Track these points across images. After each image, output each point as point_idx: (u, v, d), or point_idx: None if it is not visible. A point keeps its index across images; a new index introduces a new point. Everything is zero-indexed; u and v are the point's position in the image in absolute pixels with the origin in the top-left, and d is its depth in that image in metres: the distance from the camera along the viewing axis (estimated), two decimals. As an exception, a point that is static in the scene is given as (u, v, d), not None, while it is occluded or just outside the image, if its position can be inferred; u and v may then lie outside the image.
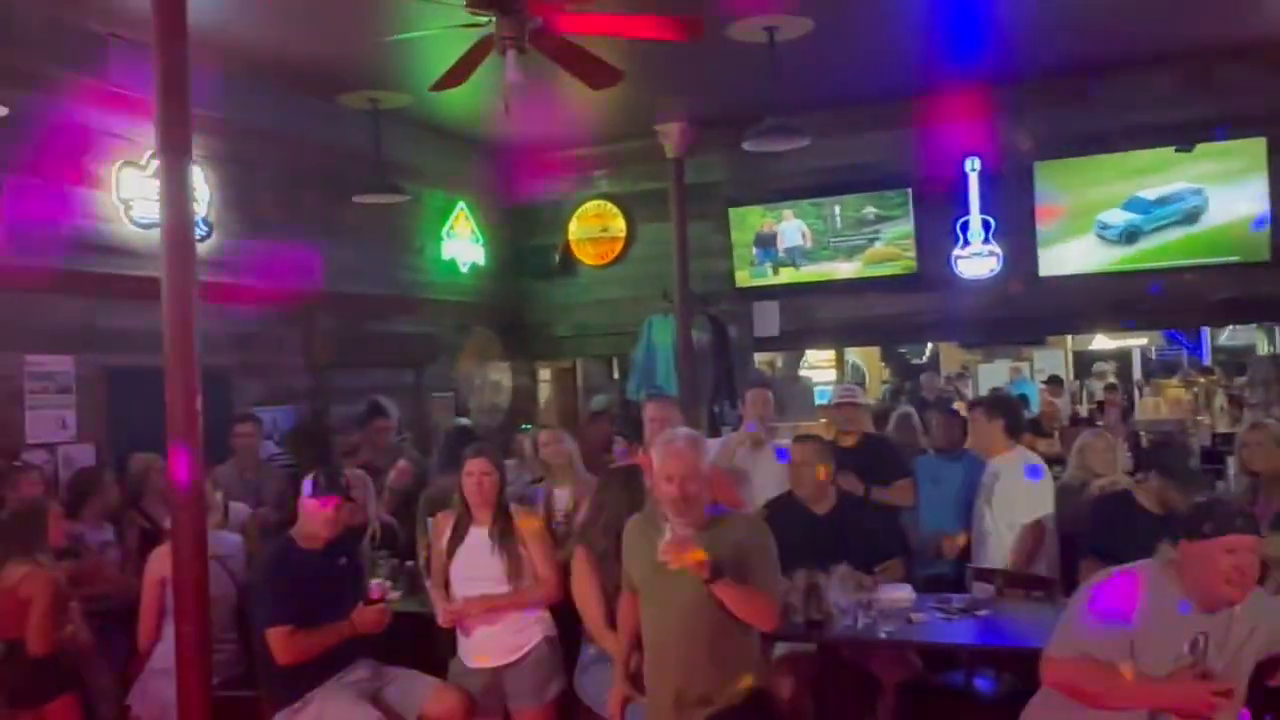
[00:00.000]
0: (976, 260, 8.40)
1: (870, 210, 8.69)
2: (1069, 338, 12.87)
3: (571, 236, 9.88)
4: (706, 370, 8.90)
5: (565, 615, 4.17)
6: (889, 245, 8.65)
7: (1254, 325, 11.73)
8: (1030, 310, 8.41)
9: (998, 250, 8.34)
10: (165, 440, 3.86)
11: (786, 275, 9.02)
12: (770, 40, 6.48)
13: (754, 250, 9.05)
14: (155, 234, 4.38)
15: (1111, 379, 12.06)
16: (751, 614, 3.27)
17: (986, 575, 4.81)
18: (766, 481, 5.38)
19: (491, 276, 9.67)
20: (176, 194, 3.94)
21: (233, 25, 5.97)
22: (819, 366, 12.93)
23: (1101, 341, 13.76)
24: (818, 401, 9.50)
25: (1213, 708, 2.81)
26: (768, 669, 3.87)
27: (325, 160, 7.69)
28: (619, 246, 9.71)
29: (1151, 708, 2.90)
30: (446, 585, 4.17)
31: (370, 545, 5.10)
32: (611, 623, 3.83)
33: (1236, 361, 12.17)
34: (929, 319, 8.80)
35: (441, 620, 4.15)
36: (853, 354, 13.22)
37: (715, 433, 7.81)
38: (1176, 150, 7.76)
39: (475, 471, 4.13)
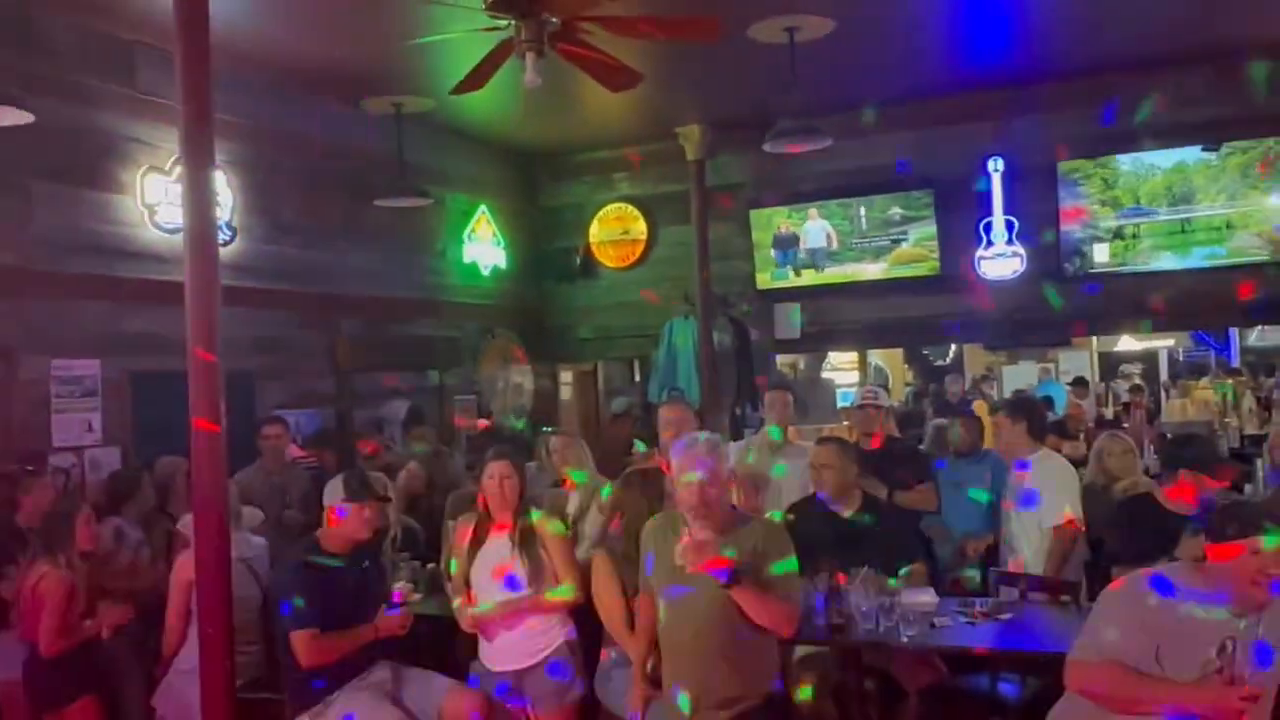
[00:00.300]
0: (1000, 261, 8.36)
1: (897, 211, 8.66)
2: (1094, 339, 12.76)
3: (592, 239, 9.89)
4: (728, 372, 8.89)
5: (585, 618, 4.17)
6: (916, 246, 8.62)
7: (1283, 326, 11.60)
8: (1054, 311, 8.34)
9: (1021, 251, 8.29)
10: (189, 443, 3.88)
11: (808, 277, 8.99)
12: (790, 41, 6.45)
13: (772, 252, 9.03)
14: (179, 238, 4.42)
15: (1137, 380, 11.95)
16: (769, 620, 3.25)
17: (1010, 579, 4.78)
18: (788, 484, 5.37)
19: (513, 279, 9.70)
20: (200, 199, 3.96)
21: (256, 31, 6.02)
22: (842, 368, 12.89)
23: (1127, 343, 13.64)
24: (840, 404, 9.47)
25: (1241, 713, 2.77)
26: (788, 673, 3.86)
27: (348, 164, 7.75)
28: (640, 249, 9.72)
29: (1178, 713, 2.86)
30: (467, 588, 4.18)
31: (391, 547, 5.13)
32: (632, 625, 3.83)
33: (1266, 363, 12.05)
34: (952, 320, 8.75)
35: (464, 625, 4.15)
36: (875, 356, 13.17)
37: (737, 435, 7.81)
38: (1203, 149, 7.69)
39: (496, 474, 4.13)
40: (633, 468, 4.72)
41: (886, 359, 13.61)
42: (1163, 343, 13.76)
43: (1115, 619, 2.93)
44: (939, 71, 7.62)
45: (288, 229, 7.22)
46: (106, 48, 5.99)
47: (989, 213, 8.35)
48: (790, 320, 9.12)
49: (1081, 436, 8.96)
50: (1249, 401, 10.19)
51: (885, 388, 12.06)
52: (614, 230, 9.83)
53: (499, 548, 4.13)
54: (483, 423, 8.62)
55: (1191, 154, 7.74)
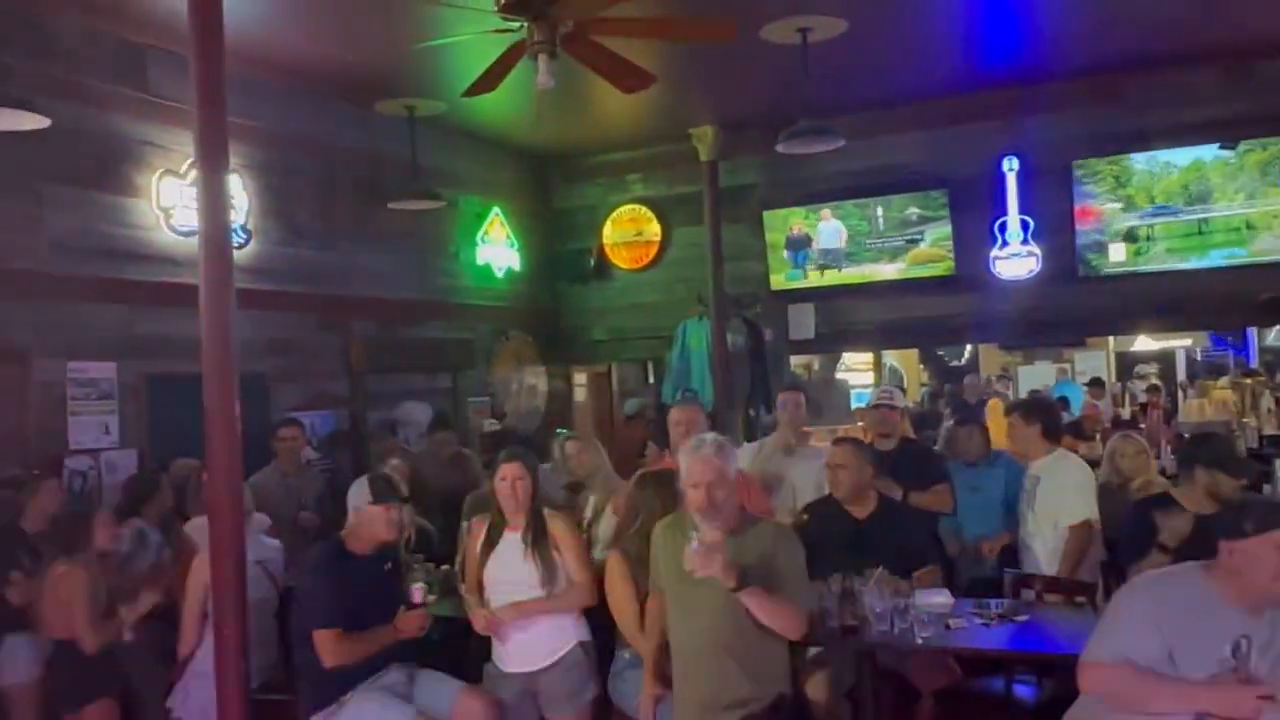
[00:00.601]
0: (1015, 261, 8.32)
1: (913, 211, 8.62)
2: (1110, 339, 12.69)
3: (606, 240, 9.90)
4: (742, 374, 8.88)
5: (599, 619, 4.17)
6: (933, 246, 8.58)
7: (1302, 326, 11.50)
8: (1070, 311, 8.29)
9: (1036, 250, 8.25)
10: (205, 446, 3.90)
11: (826, 277, 8.97)
12: (803, 41, 6.43)
13: (785, 253, 9.02)
14: (194, 242, 4.44)
15: (1154, 380, 11.87)
16: (778, 623, 3.24)
17: (1026, 580, 4.75)
18: (803, 485, 5.36)
19: (526, 281, 9.71)
20: (215, 202, 3.98)
21: (269, 35, 6.05)
22: (857, 369, 12.86)
23: (1144, 343, 13.55)
24: (855, 404, 9.45)
25: (1257, 712, 2.74)
26: (800, 675, 3.84)
27: (362, 167, 7.77)
28: (654, 250, 9.72)
29: (1193, 713, 2.83)
30: (481, 590, 4.18)
31: (405, 548, 5.13)
32: (644, 626, 3.82)
33: (1285, 362, 11.95)
34: (967, 320, 8.71)
35: (478, 626, 4.15)
36: (891, 356, 13.14)
37: (751, 436, 7.79)
38: (1220, 148, 7.63)
39: (509, 476, 4.12)
40: (645, 469, 4.71)
41: (901, 360, 13.57)
42: (1180, 343, 13.66)
43: (1128, 619, 2.91)
44: (952, 71, 7.59)
45: (302, 232, 7.25)
46: (120, 51, 6.02)
47: (1004, 212, 8.31)
48: (804, 321, 9.10)
49: (1098, 437, 8.90)
50: (1268, 401, 10.09)
51: (901, 388, 12.05)
52: (627, 232, 9.84)
53: (512, 549, 4.14)
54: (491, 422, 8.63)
55: (1209, 152, 7.68)
